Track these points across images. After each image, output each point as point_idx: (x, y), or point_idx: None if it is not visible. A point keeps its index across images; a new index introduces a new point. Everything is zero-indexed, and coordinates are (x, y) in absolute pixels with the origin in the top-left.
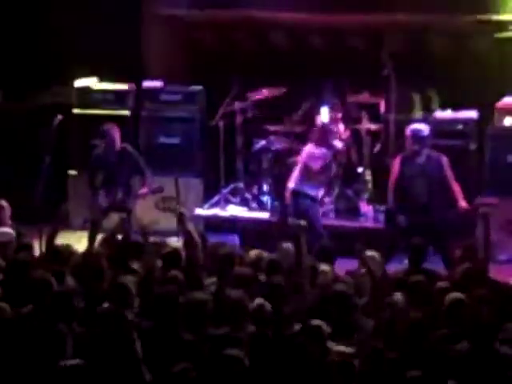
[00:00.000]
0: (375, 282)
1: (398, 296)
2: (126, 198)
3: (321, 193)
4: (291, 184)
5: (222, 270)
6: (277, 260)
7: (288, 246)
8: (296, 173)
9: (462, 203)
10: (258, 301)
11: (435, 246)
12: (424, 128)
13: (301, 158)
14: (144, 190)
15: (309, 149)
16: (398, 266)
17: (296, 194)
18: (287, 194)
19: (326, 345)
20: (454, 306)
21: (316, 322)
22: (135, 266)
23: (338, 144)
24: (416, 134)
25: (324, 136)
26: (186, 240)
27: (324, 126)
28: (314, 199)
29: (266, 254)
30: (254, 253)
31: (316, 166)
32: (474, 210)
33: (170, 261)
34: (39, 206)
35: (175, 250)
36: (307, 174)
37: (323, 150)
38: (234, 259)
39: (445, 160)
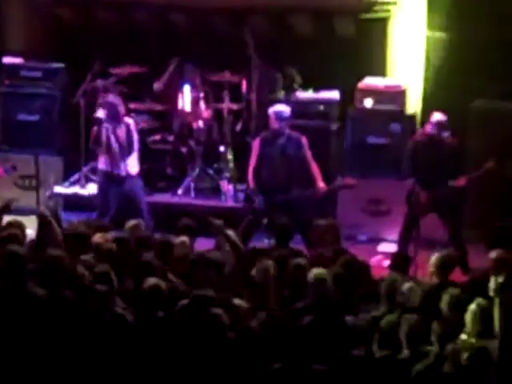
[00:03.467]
0: (239, 254)
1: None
2: None
3: (132, 167)
4: (101, 165)
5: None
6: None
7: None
8: (102, 154)
9: (321, 184)
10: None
11: (295, 225)
12: (286, 109)
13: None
14: None
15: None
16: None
17: (108, 176)
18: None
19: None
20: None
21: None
22: None
23: (129, 120)
24: (278, 115)
25: (114, 112)
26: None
27: (110, 102)
28: (130, 176)
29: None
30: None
31: (115, 143)
32: (333, 191)
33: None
34: None
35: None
36: (111, 153)
37: (114, 126)
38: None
39: (304, 140)
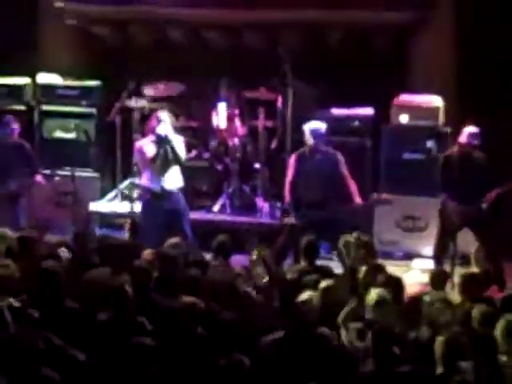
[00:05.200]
0: (272, 279)
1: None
2: (18, 188)
3: (178, 181)
4: (145, 182)
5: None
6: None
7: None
8: (145, 173)
9: (358, 200)
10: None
11: (331, 242)
12: (321, 125)
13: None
14: (38, 178)
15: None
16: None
17: (154, 192)
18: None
19: None
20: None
21: None
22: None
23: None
24: (313, 132)
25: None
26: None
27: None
28: (176, 191)
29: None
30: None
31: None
32: (370, 207)
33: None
34: None
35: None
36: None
37: (148, 139)
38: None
39: (340, 157)
